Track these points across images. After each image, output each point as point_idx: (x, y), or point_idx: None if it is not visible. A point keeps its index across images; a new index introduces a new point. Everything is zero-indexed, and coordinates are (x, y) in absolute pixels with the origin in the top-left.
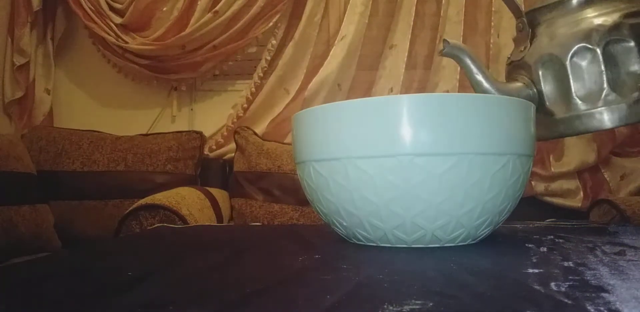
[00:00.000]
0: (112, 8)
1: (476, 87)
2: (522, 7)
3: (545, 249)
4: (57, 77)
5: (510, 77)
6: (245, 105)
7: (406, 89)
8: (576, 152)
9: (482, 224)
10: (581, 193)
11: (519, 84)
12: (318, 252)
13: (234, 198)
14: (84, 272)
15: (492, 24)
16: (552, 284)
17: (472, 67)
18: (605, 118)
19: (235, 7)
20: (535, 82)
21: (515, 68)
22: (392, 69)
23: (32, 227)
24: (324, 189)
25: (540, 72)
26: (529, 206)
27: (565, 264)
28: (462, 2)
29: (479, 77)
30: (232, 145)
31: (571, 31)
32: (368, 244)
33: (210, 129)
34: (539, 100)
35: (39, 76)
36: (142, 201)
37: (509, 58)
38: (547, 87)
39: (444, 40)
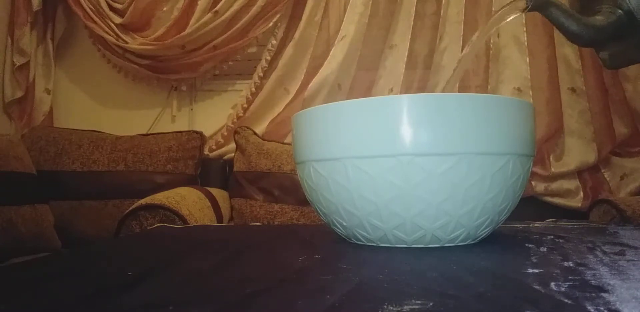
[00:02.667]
0: (112, 8)
1: (567, 34)
2: None
3: (545, 249)
4: (57, 77)
5: (588, 9)
6: (245, 105)
7: (406, 89)
8: (576, 152)
9: (482, 224)
10: (581, 193)
11: (603, 14)
12: (318, 252)
13: (234, 198)
14: (84, 272)
15: None
16: (552, 284)
17: (560, 14)
18: None
19: (235, 7)
20: (620, 6)
21: None
22: (392, 69)
23: (32, 227)
24: (324, 189)
25: None
26: (529, 206)
27: (565, 264)
28: (462, 2)
29: (568, 23)
30: (232, 146)
31: None
32: (368, 244)
33: (210, 129)
34: (630, 21)
35: (39, 76)
36: (142, 201)
37: None
38: (638, 6)
39: None
